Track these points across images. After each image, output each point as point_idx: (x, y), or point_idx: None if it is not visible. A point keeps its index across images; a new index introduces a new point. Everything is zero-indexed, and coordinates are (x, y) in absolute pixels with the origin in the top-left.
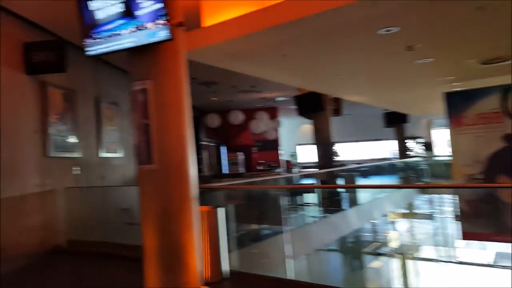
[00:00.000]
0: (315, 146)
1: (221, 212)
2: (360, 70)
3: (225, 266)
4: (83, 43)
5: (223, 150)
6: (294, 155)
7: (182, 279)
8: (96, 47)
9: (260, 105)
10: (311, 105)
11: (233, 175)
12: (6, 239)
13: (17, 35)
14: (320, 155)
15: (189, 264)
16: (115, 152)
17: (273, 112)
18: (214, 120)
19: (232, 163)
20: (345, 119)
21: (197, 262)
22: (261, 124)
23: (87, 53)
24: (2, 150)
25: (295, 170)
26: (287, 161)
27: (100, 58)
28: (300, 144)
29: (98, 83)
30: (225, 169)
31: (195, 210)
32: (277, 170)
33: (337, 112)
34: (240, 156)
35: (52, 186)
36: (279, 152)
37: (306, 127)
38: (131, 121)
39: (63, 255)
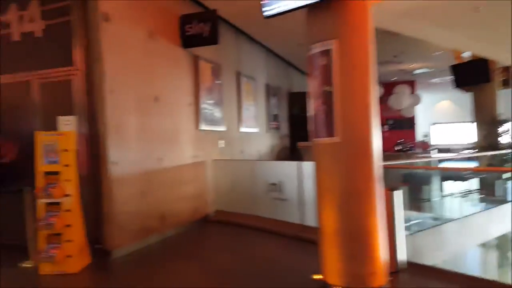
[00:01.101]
0: (473, 124)
1: (398, 195)
2: None
3: (402, 256)
4: (261, 1)
5: None
6: (427, 135)
7: (367, 267)
8: (275, 6)
9: (394, 78)
10: (474, 75)
11: None
12: (168, 207)
13: (174, 7)
14: (482, 135)
15: (374, 251)
16: (253, 127)
17: (410, 86)
18: None
19: None
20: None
21: (383, 249)
22: (402, 99)
23: (265, 13)
24: (165, 122)
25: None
26: (423, 142)
27: (241, 30)
28: (436, 124)
29: (239, 57)
30: None
31: (380, 191)
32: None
33: (506, 83)
34: None
35: (203, 158)
36: (414, 131)
37: (444, 104)
38: (311, 87)
39: (212, 224)
